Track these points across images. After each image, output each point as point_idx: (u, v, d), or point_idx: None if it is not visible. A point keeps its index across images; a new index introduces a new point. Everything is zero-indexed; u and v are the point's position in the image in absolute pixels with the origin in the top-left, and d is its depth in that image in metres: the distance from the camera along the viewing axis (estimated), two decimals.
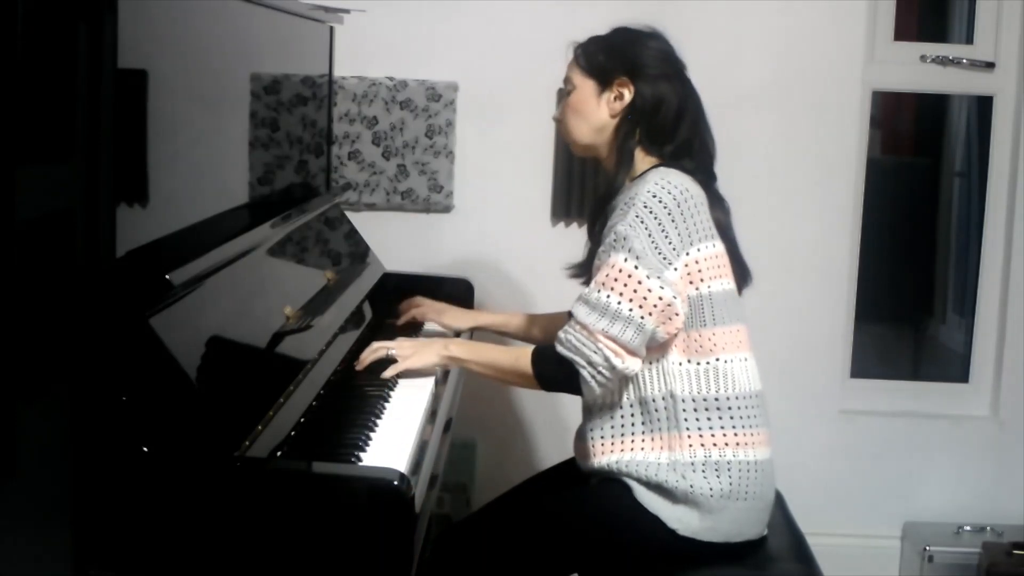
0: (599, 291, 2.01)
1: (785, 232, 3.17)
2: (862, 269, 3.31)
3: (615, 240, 2.02)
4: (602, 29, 2.23)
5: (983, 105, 3.35)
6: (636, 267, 1.99)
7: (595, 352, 2.00)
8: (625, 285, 1.99)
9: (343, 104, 3.06)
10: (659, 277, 2.00)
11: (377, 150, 3.10)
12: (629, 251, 2.00)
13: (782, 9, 3.12)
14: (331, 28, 2.79)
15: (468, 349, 2.21)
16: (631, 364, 2.01)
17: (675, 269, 2.02)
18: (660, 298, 1.99)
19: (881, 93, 3.39)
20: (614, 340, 1.99)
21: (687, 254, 2.03)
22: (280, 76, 2.40)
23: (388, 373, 2.16)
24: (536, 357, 2.09)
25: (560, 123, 2.24)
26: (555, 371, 2.05)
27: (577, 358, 2.01)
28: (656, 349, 2.06)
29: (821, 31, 3.14)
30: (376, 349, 2.20)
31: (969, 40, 3.29)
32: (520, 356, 2.11)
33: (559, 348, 2.04)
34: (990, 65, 3.25)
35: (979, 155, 3.43)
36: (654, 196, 2.02)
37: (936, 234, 3.66)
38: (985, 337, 3.35)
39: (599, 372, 2.00)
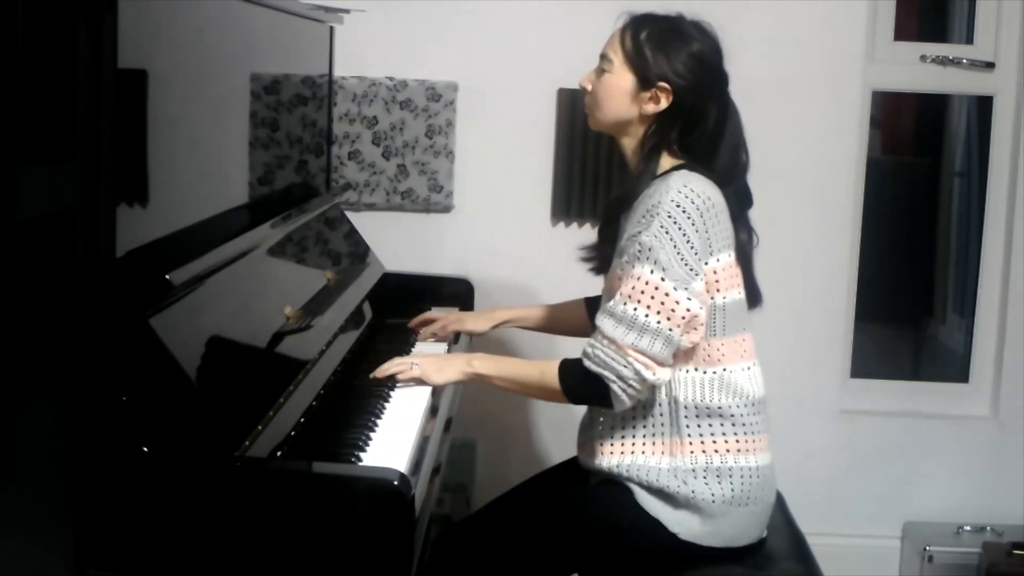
0: (625, 304, 1.97)
1: (785, 232, 3.16)
2: (862, 269, 3.31)
3: (640, 251, 1.98)
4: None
5: (983, 105, 3.35)
6: (663, 279, 1.96)
7: (625, 366, 1.96)
8: (652, 298, 1.96)
9: (343, 104, 3.06)
10: (686, 288, 1.97)
11: (377, 150, 3.10)
12: (655, 263, 1.96)
13: (782, 9, 3.12)
14: (331, 28, 2.79)
15: (492, 364, 2.14)
16: (661, 375, 1.99)
17: (701, 279, 2.00)
18: (688, 310, 1.96)
19: (881, 93, 3.39)
20: (644, 353, 1.96)
21: (706, 264, 2.01)
22: (280, 76, 2.40)
23: (406, 376, 2.14)
24: (563, 372, 2.04)
25: (587, 94, 2.16)
26: (584, 386, 2.01)
27: (607, 373, 1.98)
28: None
29: (821, 31, 3.14)
30: (398, 364, 2.15)
31: (969, 40, 3.29)
32: (546, 371, 2.06)
33: (587, 363, 2.00)
34: (990, 65, 3.25)
35: (979, 155, 3.42)
36: (678, 205, 1.98)
37: (936, 234, 3.66)
38: (985, 337, 3.35)
39: (630, 385, 1.97)
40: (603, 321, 2.00)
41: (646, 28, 2.09)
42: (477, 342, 2.67)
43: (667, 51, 2.06)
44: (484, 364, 2.14)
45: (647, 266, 1.97)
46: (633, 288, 1.97)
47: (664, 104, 2.07)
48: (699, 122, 2.08)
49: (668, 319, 1.96)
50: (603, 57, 2.13)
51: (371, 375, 2.14)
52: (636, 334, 1.96)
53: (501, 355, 2.29)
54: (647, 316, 1.96)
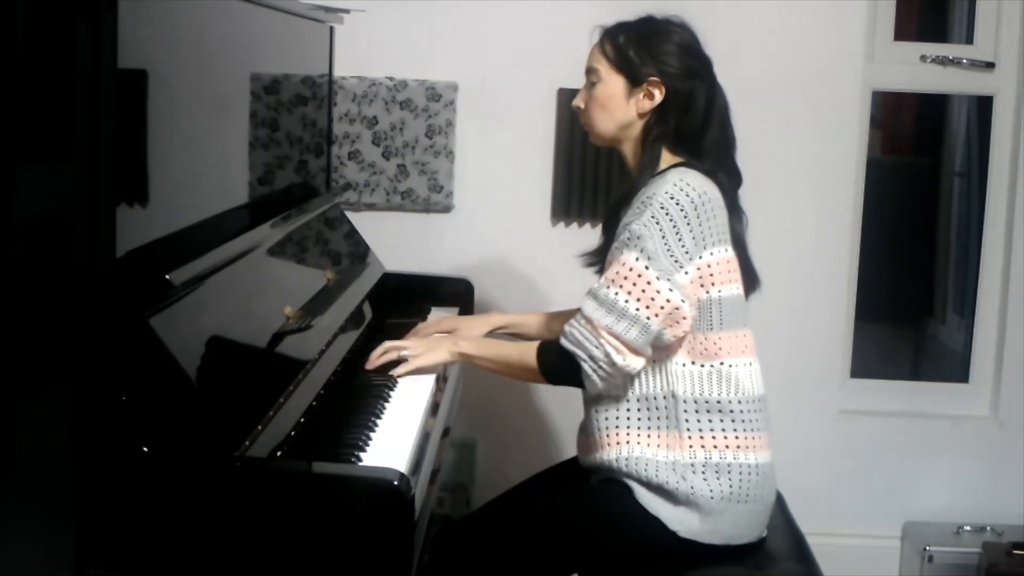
0: (608, 287, 2.01)
1: (785, 232, 3.17)
2: (862, 269, 3.31)
3: (629, 238, 2.01)
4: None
5: (983, 105, 3.35)
6: (647, 267, 1.99)
7: (596, 347, 2.00)
8: (634, 284, 1.99)
9: (343, 104, 3.06)
10: (669, 280, 1.99)
11: (377, 150, 3.10)
12: (641, 251, 1.99)
13: (782, 9, 3.12)
14: (331, 28, 2.79)
15: (477, 345, 2.23)
16: (632, 362, 2.01)
17: (686, 272, 2.02)
18: (668, 300, 1.99)
19: (881, 93, 3.39)
20: (617, 337, 1.99)
21: (700, 258, 2.03)
22: (280, 76, 2.40)
23: (398, 371, 2.17)
24: (541, 351, 2.10)
25: (583, 112, 2.19)
26: (558, 364, 2.07)
27: (579, 352, 2.02)
28: (661, 349, 2.06)
29: (821, 31, 3.14)
30: (387, 349, 2.22)
31: (969, 40, 3.29)
32: (525, 350, 2.13)
33: (562, 341, 2.05)
34: (990, 65, 3.25)
35: (979, 155, 3.43)
36: (671, 197, 2.01)
37: (936, 234, 3.66)
38: (985, 337, 3.35)
39: (600, 367, 2.01)
40: (585, 302, 2.04)
41: (623, 33, 2.15)
42: None
43: (649, 47, 2.12)
44: (470, 345, 2.23)
45: (633, 253, 2.00)
46: (617, 273, 2.01)
47: (659, 98, 2.11)
48: (691, 105, 2.11)
49: (647, 307, 1.98)
50: (589, 71, 2.18)
51: (365, 365, 2.19)
52: (613, 318, 1.99)
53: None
54: (626, 302, 1.99)
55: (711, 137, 2.13)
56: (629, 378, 2.07)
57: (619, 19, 2.18)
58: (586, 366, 2.02)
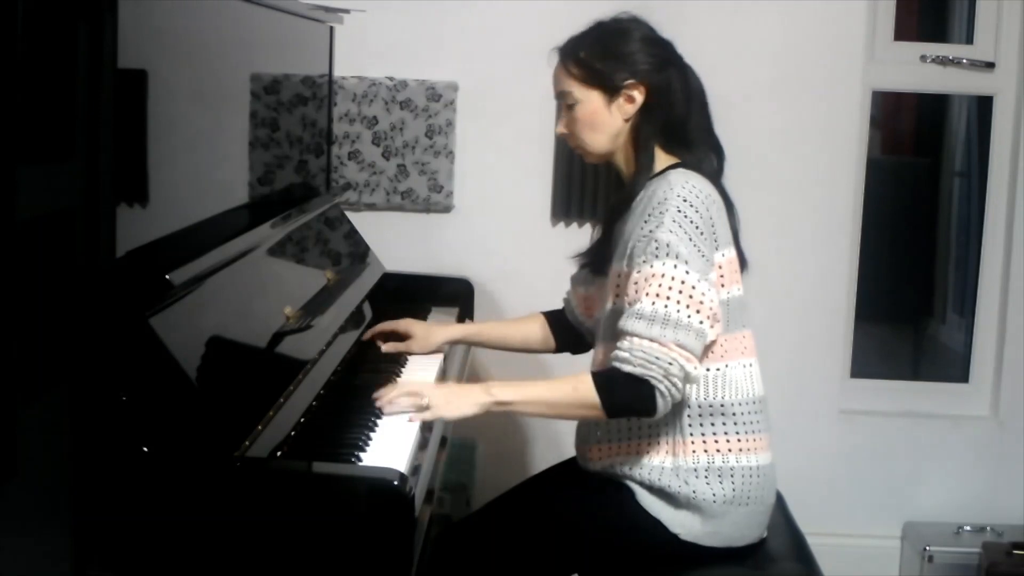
0: (654, 303, 1.94)
1: (785, 232, 3.17)
2: (862, 269, 3.31)
3: (658, 248, 1.96)
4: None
5: (983, 105, 3.35)
6: (687, 272, 1.95)
7: (671, 363, 1.92)
8: (680, 292, 1.94)
9: (343, 104, 3.06)
10: (707, 279, 1.97)
11: (377, 150, 3.10)
12: (677, 257, 1.95)
13: (782, 9, 3.12)
14: (331, 28, 2.79)
15: (513, 390, 2.02)
16: (699, 371, 1.98)
17: (715, 271, 2.00)
18: (713, 300, 1.96)
19: (881, 93, 3.39)
20: (684, 347, 1.93)
21: (714, 259, 2.02)
22: (280, 76, 2.40)
23: (416, 419, 1.97)
24: (601, 384, 1.96)
25: (570, 137, 2.15)
26: (626, 392, 1.94)
27: (652, 372, 1.92)
28: None
29: (821, 31, 3.14)
30: (407, 394, 2.01)
31: (969, 40, 3.29)
32: (578, 385, 1.97)
33: (626, 368, 1.93)
34: (990, 65, 3.25)
35: (979, 155, 3.43)
36: (685, 200, 1.98)
37: (936, 234, 3.66)
38: (985, 337, 3.35)
39: (674, 384, 1.93)
40: (634, 324, 1.94)
41: (581, 48, 2.11)
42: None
43: (614, 53, 2.09)
44: (505, 391, 2.01)
45: (670, 261, 1.95)
46: (660, 286, 1.95)
47: (640, 98, 2.08)
48: (671, 94, 2.09)
49: (698, 311, 1.95)
50: (561, 96, 2.14)
51: (376, 403, 2.00)
52: (673, 330, 1.93)
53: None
54: (679, 312, 1.94)
55: (695, 119, 2.11)
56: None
57: (569, 36, 2.13)
58: (661, 386, 1.92)
